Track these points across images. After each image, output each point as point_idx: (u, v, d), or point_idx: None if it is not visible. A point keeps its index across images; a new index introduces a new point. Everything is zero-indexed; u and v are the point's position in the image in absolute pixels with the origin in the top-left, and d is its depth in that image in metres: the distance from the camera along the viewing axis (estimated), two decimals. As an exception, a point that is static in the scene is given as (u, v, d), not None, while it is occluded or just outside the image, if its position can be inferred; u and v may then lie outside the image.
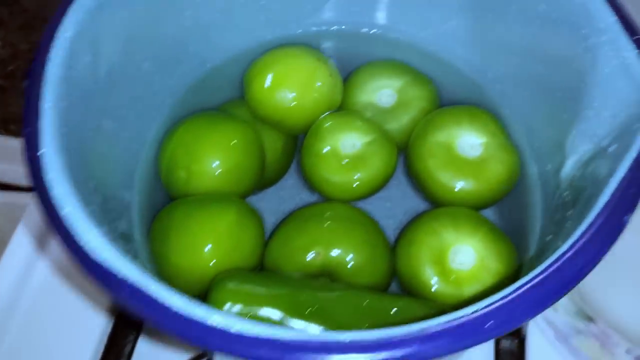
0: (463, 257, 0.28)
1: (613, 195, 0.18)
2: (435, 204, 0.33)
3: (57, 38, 0.23)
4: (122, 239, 0.26)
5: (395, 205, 0.34)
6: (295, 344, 0.17)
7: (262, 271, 0.30)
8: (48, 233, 0.37)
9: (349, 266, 0.29)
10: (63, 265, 0.36)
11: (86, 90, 0.25)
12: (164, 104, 0.34)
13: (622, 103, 0.22)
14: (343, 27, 0.35)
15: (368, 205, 0.33)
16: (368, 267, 0.29)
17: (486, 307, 0.17)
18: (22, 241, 0.37)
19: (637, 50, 0.21)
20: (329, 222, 0.30)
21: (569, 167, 0.26)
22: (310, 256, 0.29)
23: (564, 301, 0.33)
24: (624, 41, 0.22)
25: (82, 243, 0.18)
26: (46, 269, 0.36)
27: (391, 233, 0.33)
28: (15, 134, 0.55)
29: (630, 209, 0.18)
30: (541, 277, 0.17)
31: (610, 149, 0.22)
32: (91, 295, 0.35)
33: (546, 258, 0.18)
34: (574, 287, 0.17)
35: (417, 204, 0.34)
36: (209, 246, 0.28)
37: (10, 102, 0.58)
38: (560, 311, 0.33)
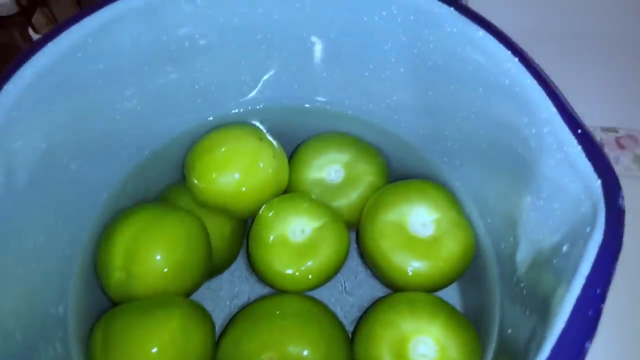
0: (424, 348, 0.27)
1: (570, 319, 0.17)
2: (391, 286, 0.31)
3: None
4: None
5: (349, 288, 0.32)
6: None
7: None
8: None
9: (305, 367, 0.27)
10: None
11: (2, 214, 0.23)
12: (99, 200, 0.31)
13: (571, 199, 0.21)
14: (283, 103, 0.34)
15: (321, 291, 0.31)
16: (326, 366, 0.28)
17: None
18: None
19: (580, 146, 0.20)
20: (281, 321, 0.28)
21: (523, 252, 0.25)
22: (263, 360, 0.27)
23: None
24: (567, 135, 0.21)
25: None
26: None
27: (346, 319, 0.31)
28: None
29: (590, 334, 0.17)
30: None
31: (564, 249, 0.21)
32: None
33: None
34: None
35: (373, 285, 0.33)
36: (154, 361, 0.26)
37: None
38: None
